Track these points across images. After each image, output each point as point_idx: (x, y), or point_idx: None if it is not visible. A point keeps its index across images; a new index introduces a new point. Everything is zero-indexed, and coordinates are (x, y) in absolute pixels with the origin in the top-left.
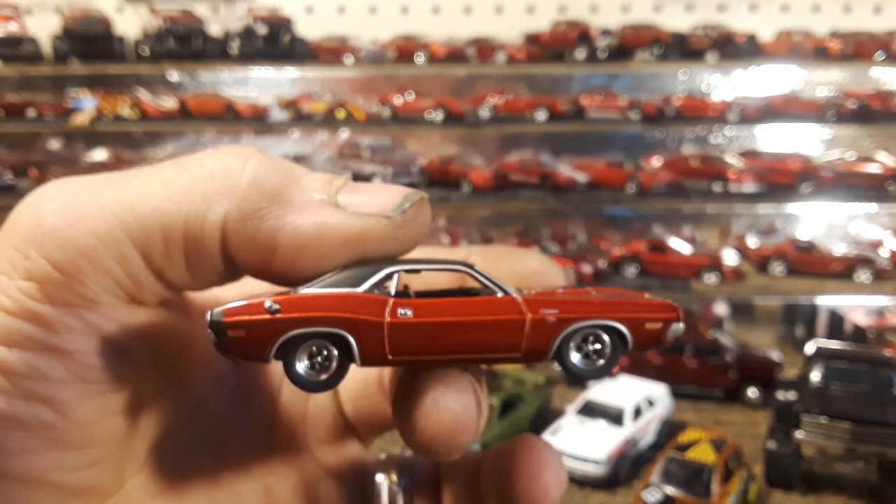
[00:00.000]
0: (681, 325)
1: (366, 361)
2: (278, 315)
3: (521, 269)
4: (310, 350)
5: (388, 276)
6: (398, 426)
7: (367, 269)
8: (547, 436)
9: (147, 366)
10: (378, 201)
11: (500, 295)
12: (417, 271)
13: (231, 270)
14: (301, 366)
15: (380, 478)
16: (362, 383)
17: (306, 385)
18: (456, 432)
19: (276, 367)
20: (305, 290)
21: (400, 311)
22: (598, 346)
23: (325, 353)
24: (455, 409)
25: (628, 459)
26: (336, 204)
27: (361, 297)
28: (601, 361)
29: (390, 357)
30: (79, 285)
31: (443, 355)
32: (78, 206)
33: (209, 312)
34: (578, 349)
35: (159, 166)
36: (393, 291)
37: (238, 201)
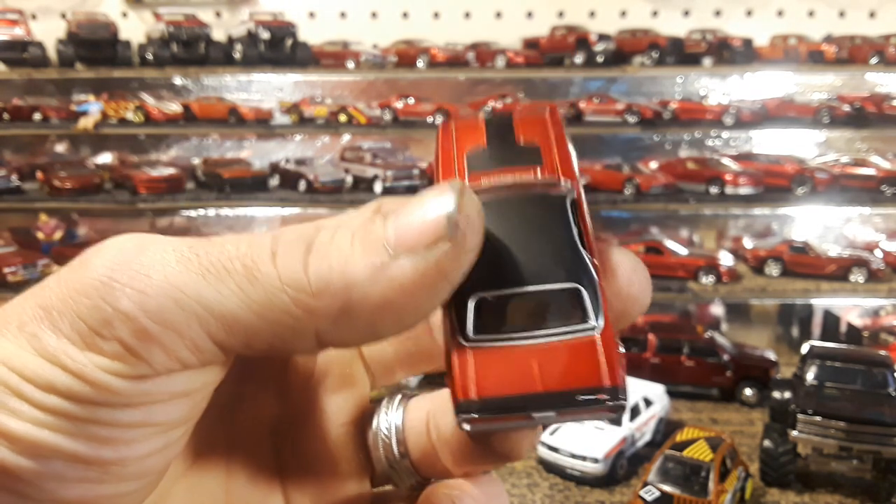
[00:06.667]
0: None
1: None
2: None
3: None
4: None
5: None
6: None
7: None
8: (546, 436)
9: (207, 397)
10: (432, 224)
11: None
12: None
13: None
14: None
15: (375, 422)
16: None
17: None
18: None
19: None
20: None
21: None
22: None
23: None
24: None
25: (626, 458)
26: (395, 255)
27: None
28: None
29: None
30: (149, 366)
31: None
32: (156, 295)
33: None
34: None
35: (223, 260)
36: None
37: (318, 310)
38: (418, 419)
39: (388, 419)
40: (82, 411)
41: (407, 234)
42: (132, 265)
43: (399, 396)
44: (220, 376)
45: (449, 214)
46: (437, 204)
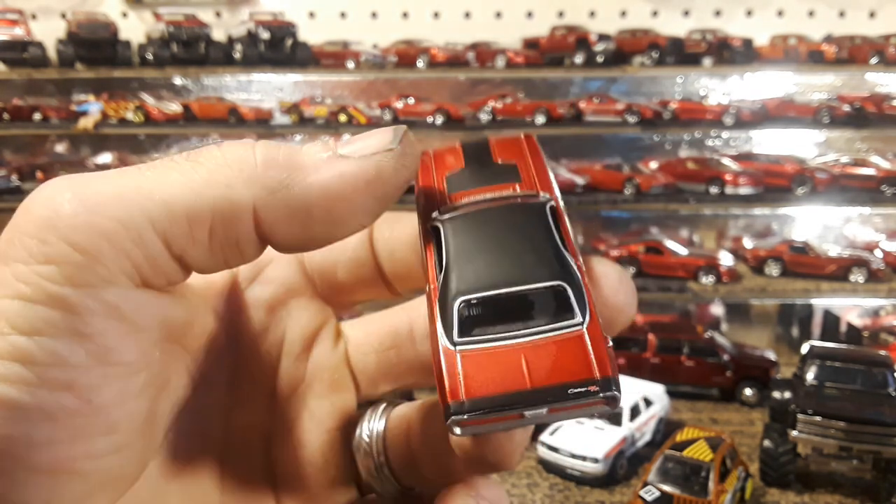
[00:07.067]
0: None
1: None
2: None
3: None
4: None
5: None
6: None
7: None
8: (546, 436)
9: (159, 344)
10: (375, 141)
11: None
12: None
13: (259, 250)
14: None
15: (359, 429)
16: (391, 335)
17: None
18: None
19: (276, 335)
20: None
21: None
22: None
23: None
24: None
25: (626, 458)
26: (342, 156)
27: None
28: None
29: None
30: (98, 266)
31: None
32: (95, 195)
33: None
34: None
35: (169, 160)
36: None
37: (260, 180)
38: (399, 427)
39: (370, 427)
40: (38, 349)
41: (353, 145)
42: (74, 180)
43: (384, 405)
44: (167, 310)
45: (393, 130)
46: (380, 132)
